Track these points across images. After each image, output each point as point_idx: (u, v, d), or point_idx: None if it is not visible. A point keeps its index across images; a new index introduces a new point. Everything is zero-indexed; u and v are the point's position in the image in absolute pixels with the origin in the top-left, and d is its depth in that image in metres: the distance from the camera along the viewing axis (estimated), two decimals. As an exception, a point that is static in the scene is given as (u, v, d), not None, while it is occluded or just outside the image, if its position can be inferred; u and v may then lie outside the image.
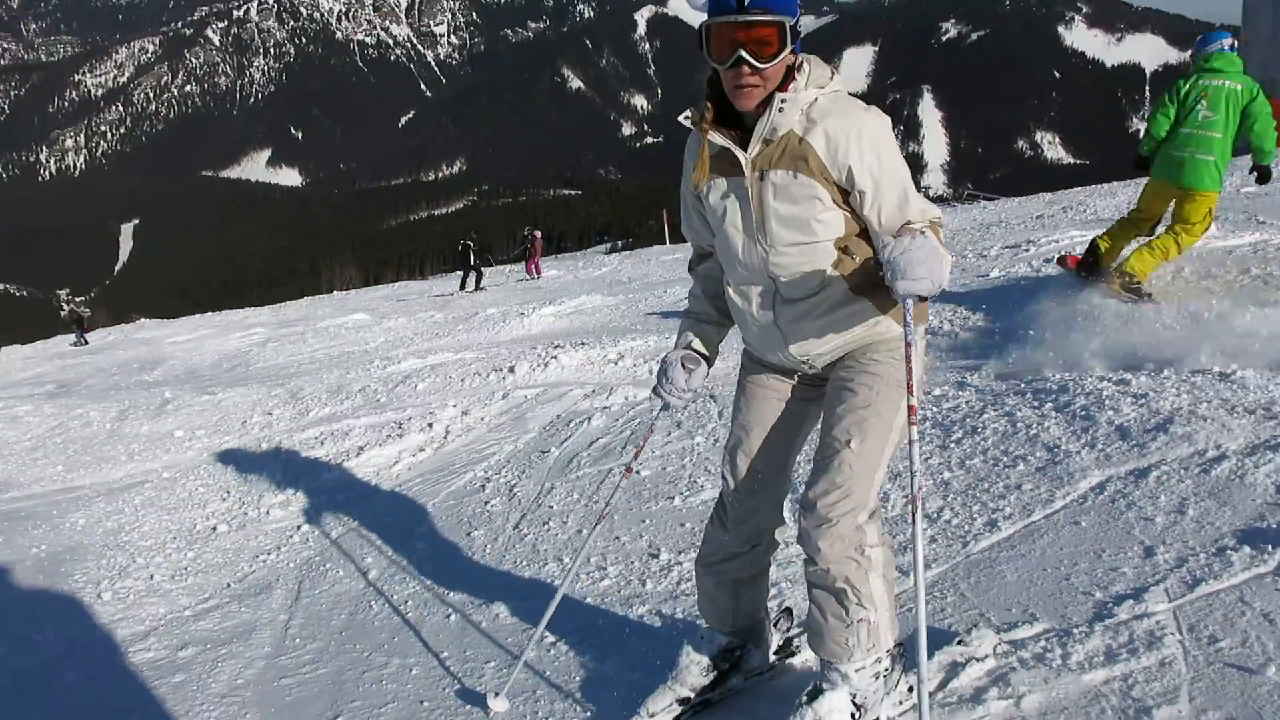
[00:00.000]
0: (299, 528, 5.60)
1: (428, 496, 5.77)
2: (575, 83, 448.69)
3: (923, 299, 2.46)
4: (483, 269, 27.87)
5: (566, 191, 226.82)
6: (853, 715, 2.57)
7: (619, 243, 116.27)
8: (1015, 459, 4.52)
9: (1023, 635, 3.03)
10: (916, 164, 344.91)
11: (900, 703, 2.74)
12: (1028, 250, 10.71)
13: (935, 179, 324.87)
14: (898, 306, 2.59)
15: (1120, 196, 17.12)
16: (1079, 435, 4.58)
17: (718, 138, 2.55)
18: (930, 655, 2.83)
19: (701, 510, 4.69)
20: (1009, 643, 2.99)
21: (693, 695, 2.91)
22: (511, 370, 8.53)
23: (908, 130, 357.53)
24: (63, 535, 5.96)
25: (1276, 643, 2.76)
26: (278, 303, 38.02)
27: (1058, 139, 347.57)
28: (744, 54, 2.39)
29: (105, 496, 6.83)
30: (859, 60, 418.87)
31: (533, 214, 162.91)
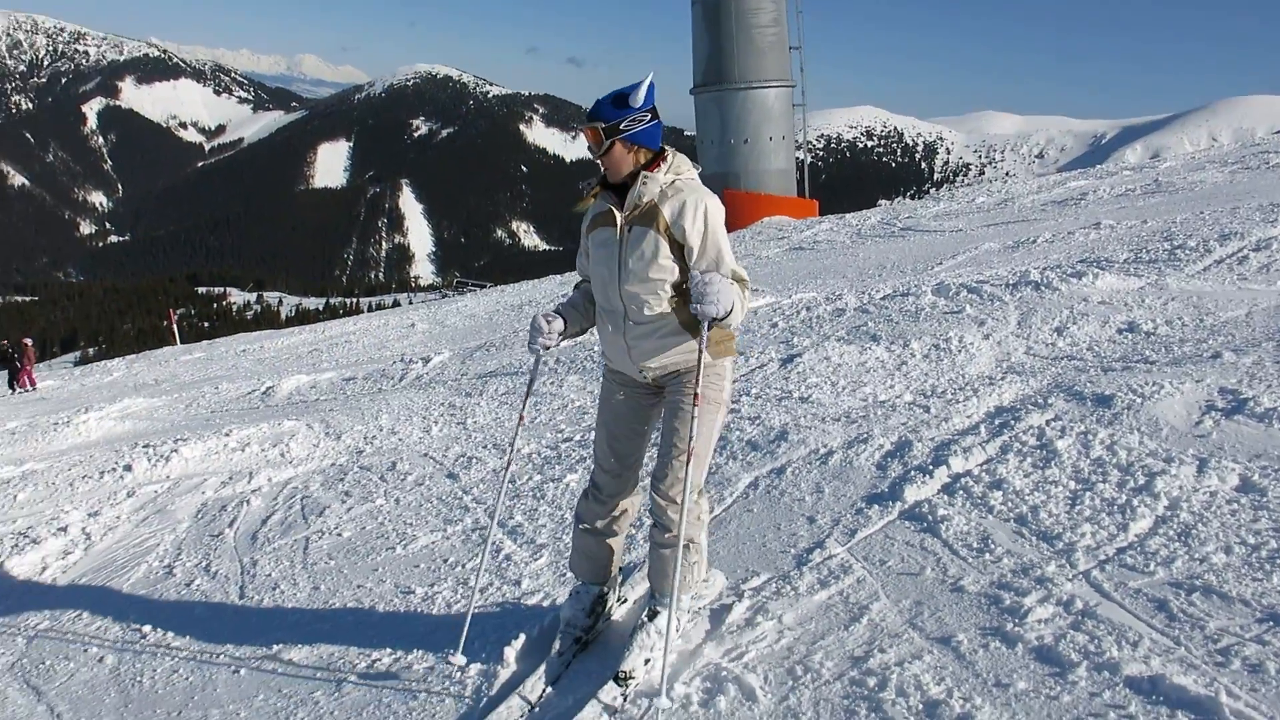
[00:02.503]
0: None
1: (111, 590, 5.63)
2: (19, 179, 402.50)
3: (716, 322, 3.35)
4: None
5: (20, 297, 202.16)
6: (677, 626, 3.62)
7: (90, 350, 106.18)
8: (678, 476, 5.63)
9: (756, 584, 4.08)
10: (404, 255, 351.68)
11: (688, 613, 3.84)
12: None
13: (424, 269, 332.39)
14: (715, 342, 3.53)
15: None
16: (719, 451, 5.81)
17: (605, 200, 3.53)
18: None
19: (426, 553, 5.26)
20: (751, 589, 4.01)
21: (582, 635, 3.78)
22: (128, 469, 8.25)
23: (391, 223, 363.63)
24: None
25: (921, 556, 4.05)
26: None
27: (532, 228, 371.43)
28: (589, 147, 3.48)
29: None
30: (335, 155, 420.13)
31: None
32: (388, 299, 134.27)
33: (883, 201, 33.88)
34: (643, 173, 3.44)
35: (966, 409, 5.81)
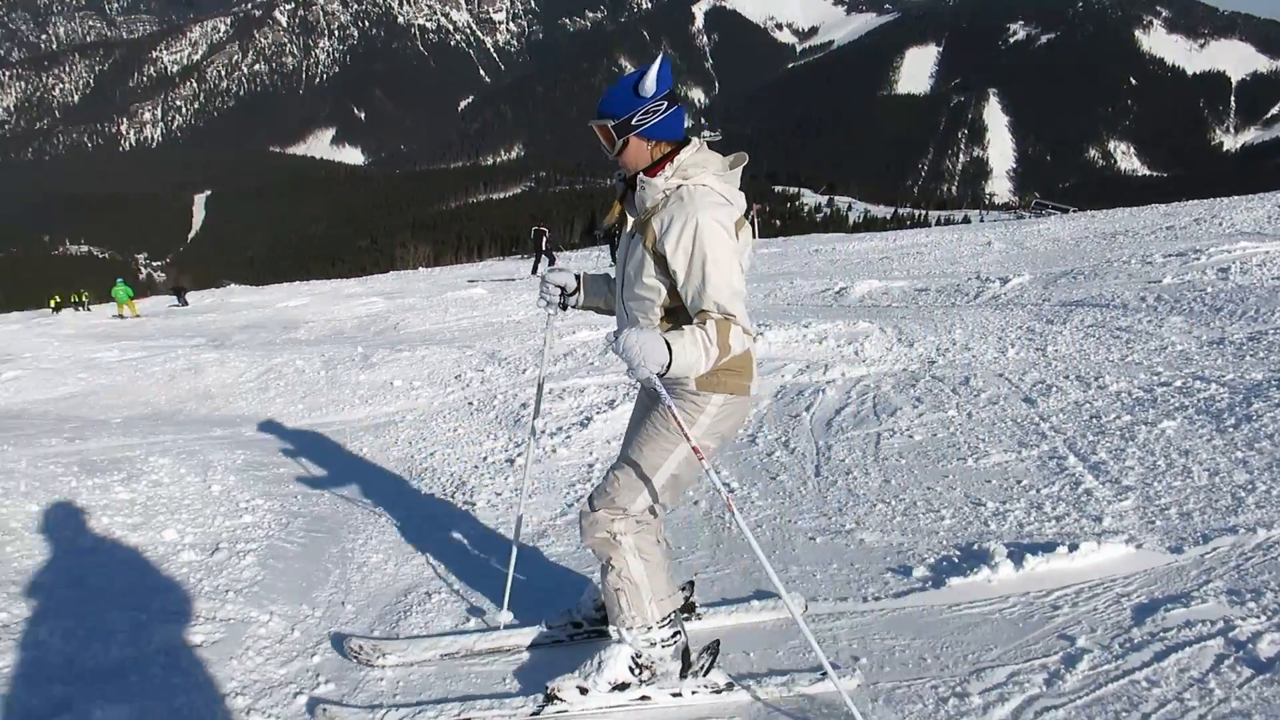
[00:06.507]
0: (596, 461, 6.25)
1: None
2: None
3: (662, 376, 2.82)
4: (555, 255, 28.47)
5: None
6: (632, 669, 3.23)
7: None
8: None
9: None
10: (981, 169, 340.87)
11: (710, 690, 3.26)
12: (1198, 258, 11.23)
13: (1000, 185, 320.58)
14: (706, 375, 3.04)
15: (1258, 211, 17.35)
16: None
17: (624, 203, 3.24)
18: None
19: (998, 470, 5.19)
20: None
21: (583, 622, 3.74)
22: (726, 345, 9.13)
23: (971, 135, 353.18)
24: (385, 452, 6.65)
25: None
26: (343, 277, 38.55)
27: (1132, 149, 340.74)
28: (602, 147, 3.13)
29: (371, 431, 7.63)
30: (922, 60, 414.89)
31: (593, 202, 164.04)
32: (957, 214, 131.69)
33: None
34: (640, 175, 3.03)
35: None
